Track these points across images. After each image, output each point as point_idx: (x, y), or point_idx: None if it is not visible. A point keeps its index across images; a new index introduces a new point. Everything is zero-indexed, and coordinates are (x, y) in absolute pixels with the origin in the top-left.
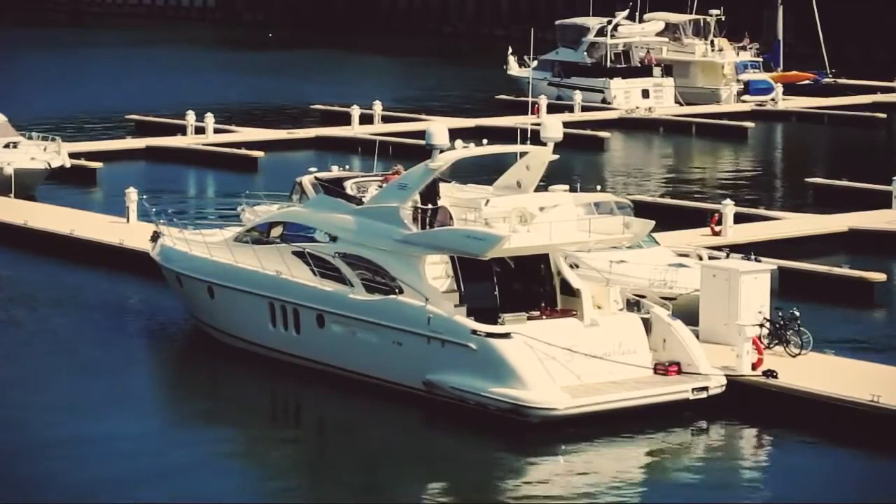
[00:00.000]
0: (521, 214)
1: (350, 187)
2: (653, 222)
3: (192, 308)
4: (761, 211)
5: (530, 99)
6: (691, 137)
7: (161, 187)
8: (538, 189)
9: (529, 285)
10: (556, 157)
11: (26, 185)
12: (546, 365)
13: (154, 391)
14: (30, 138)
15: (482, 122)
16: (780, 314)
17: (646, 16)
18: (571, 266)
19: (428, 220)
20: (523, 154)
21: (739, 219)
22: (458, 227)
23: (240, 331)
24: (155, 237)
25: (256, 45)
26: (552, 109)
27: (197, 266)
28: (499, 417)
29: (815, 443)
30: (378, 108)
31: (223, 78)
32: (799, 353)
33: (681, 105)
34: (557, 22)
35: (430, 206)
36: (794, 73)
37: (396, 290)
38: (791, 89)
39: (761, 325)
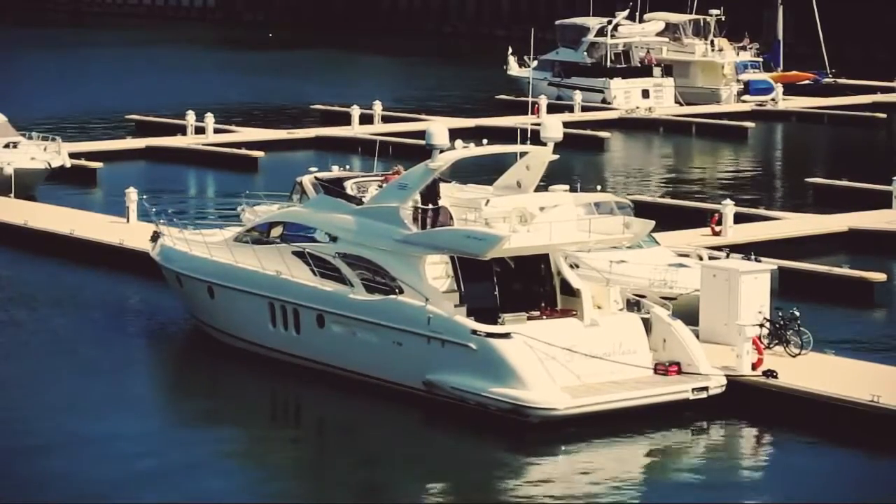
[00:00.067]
0: (521, 214)
1: (350, 187)
2: (653, 222)
3: (192, 308)
4: (761, 211)
5: (530, 99)
6: (691, 137)
7: (161, 187)
8: (538, 189)
9: (529, 285)
10: (556, 157)
11: (26, 185)
12: (546, 365)
13: (154, 391)
14: (30, 138)
15: (482, 122)
16: (780, 314)
17: (646, 16)
18: (571, 266)
19: (429, 220)
20: (523, 154)
21: (739, 219)
22: (458, 227)
23: (240, 331)
24: (155, 237)
25: (256, 45)
26: (552, 109)
27: (197, 266)
28: (499, 417)
29: (815, 443)
30: (378, 108)
31: (223, 78)
32: (799, 353)
33: (681, 105)
34: (557, 22)
35: (430, 206)
36: (794, 73)
37: (396, 290)
38: (791, 89)
39: (761, 325)
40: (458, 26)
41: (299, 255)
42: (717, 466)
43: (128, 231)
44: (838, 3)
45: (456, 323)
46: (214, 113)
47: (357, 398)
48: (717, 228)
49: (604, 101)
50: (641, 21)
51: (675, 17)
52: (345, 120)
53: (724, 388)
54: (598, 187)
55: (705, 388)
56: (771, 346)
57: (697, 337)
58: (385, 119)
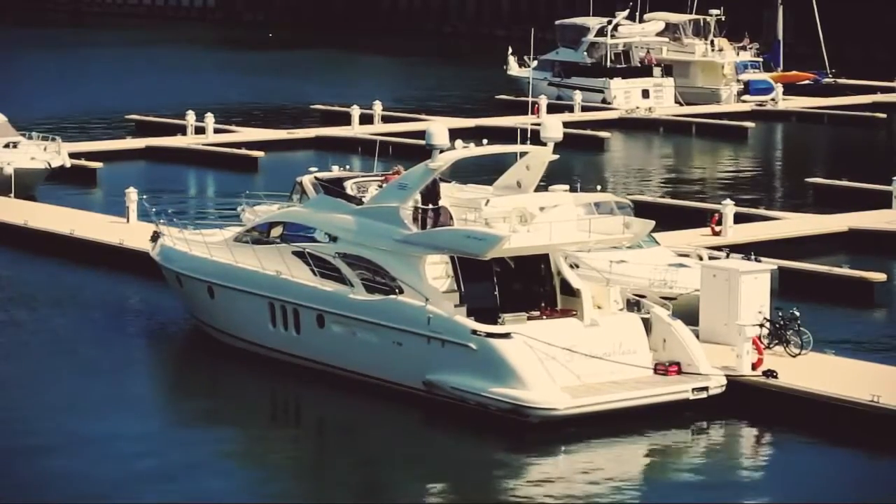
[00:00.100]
0: (521, 214)
1: (350, 187)
2: (653, 222)
3: (192, 308)
4: (761, 211)
5: (530, 99)
6: (691, 137)
7: (161, 187)
8: (538, 189)
9: (529, 285)
10: (556, 157)
11: (26, 185)
12: (546, 365)
13: (154, 391)
14: (30, 138)
15: (482, 122)
16: (780, 314)
17: (646, 16)
18: (571, 266)
19: (431, 220)
20: (523, 154)
21: (739, 219)
22: (458, 227)
23: (240, 331)
24: (155, 237)
25: (256, 45)
26: (552, 109)
27: (197, 266)
28: (499, 417)
29: (815, 443)
30: (378, 108)
31: (223, 78)
32: (799, 353)
33: (681, 105)
34: (557, 22)
35: (430, 206)
36: (794, 73)
37: (396, 290)
38: (791, 89)
39: (761, 325)
40: (458, 26)
41: (299, 255)
42: (717, 466)
43: (128, 231)
44: (838, 3)
45: (456, 323)
46: (214, 113)
47: (357, 398)
48: (717, 228)
49: (604, 101)
50: (641, 21)
51: (675, 17)
52: (345, 120)
53: (724, 388)
54: (598, 187)
55: (705, 388)
56: (771, 346)
57: (697, 337)
58: (385, 119)
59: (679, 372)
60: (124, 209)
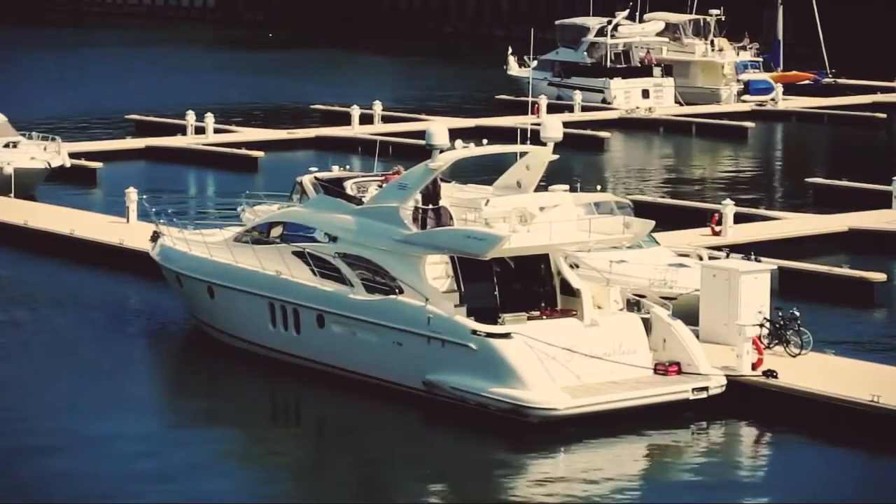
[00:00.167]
0: (521, 214)
1: (350, 187)
2: (653, 222)
3: (192, 308)
4: (761, 211)
5: (530, 99)
6: (691, 137)
7: (161, 187)
8: (538, 189)
9: (529, 285)
10: (556, 157)
11: (26, 185)
12: (546, 365)
13: (154, 391)
14: (30, 138)
15: (482, 122)
16: (780, 314)
17: (646, 16)
18: (571, 266)
19: (431, 220)
20: (523, 154)
21: (739, 219)
22: (458, 227)
23: (240, 331)
24: (155, 237)
25: (256, 45)
26: (552, 109)
27: (197, 266)
28: (499, 417)
29: (815, 443)
30: (378, 108)
31: (223, 78)
32: (799, 353)
33: (681, 105)
34: (557, 22)
35: (431, 206)
36: (794, 73)
37: (396, 290)
38: (791, 89)
39: (761, 325)
40: (458, 26)
41: (299, 255)
42: (717, 466)
43: (128, 231)
44: (838, 3)
45: (456, 323)
46: (214, 113)
47: (357, 398)
48: (717, 228)
49: (604, 101)
50: (641, 21)
51: (675, 17)
52: (345, 120)
53: (724, 388)
54: (598, 187)
55: (705, 388)
56: (771, 346)
57: (697, 337)
58: (385, 119)
59: (679, 372)
60: (124, 209)
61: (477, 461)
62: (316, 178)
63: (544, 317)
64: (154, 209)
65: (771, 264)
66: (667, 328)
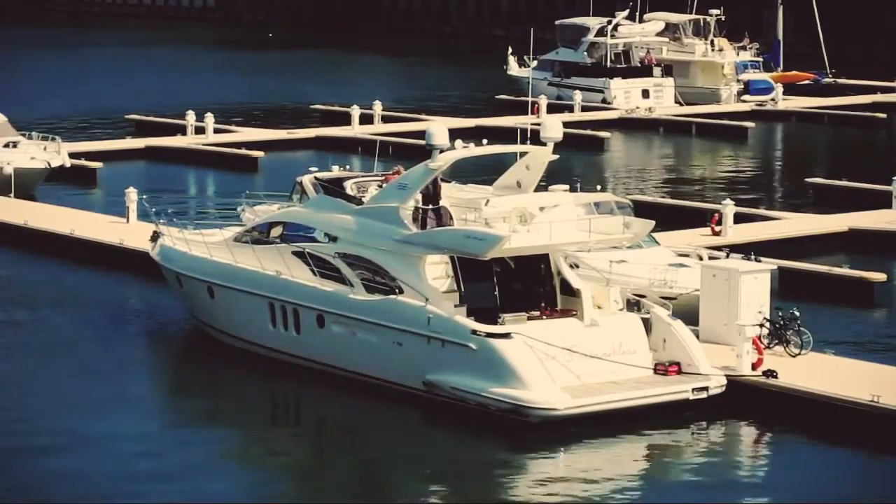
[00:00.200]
0: (521, 214)
1: (350, 187)
2: (653, 222)
3: (192, 308)
4: (761, 211)
5: (530, 99)
6: (691, 137)
7: (161, 187)
8: (538, 189)
9: (529, 285)
10: (556, 157)
11: (26, 185)
12: (546, 365)
13: (154, 391)
14: (30, 138)
15: (482, 122)
16: (780, 314)
17: (646, 16)
18: (571, 266)
19: (432, 220)
20: (523, 154)
21: (739, 219)
22: (458, 227)
23: (240, 331)
24: (155, 237)
25: (256, 45)
26: (552, 109)
27: (197, 266)
28: (499, 417)
29: (815, 443)
30: (378, 108)
31: (223, 78)
32: (799, 353)
33: (681, 105)
34: (557, 22)
35: (431, 206)
36: (794, 73)
37: (396, 291)
38: (791, 89)
39: (761, 325)
40: (458, 26)
41: (299, 255)
42: (717, 466)
43: (128, 231)
44: (838, 4)
45: (456, 323)
46: (214, 113)
47: (357, 398)
48: (717, 228)
49: (604, 101)
50: (641, 21)
51: (675, 17)
52: (345, 120)
53: (724, 388)
54: (598, 187)
55: (705, 388)
56: (771, 346)
57: (697, 337)
58: (385, 119)
59: (679, 372)
60: (124, 209)
61: (477, 461)
62: (316, 178)
63: (544, 317)
64: (154, 209)
65: (771, 264)
66: (667, 328)
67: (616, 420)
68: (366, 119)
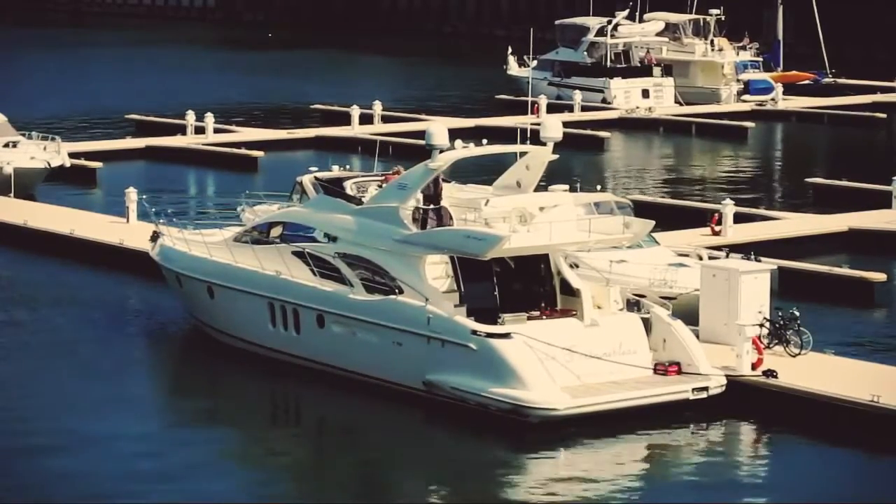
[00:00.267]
0: (521, 214)
1: (350, 187)
2: (653, 222)
3: (192, 308)
4: (761, 211)
5: (530, 99)
6: (691, 137)
7: (161, 187)
8: (538, 189)
9: (529, 285)
10: (556, 157)
11: (26, 185)
12: (546, 365)
13: (154, 391)
14: (30, 138)
15: (482, 122)
16: (780, 314)
17: (646, 16)
18: (571, 266)
19: (433, 220)
20: (523, 154)
21: (739, 219)
22: (458, 227)
23: (240, 331)
24: (155, 237)
25: (256, 45)
26: (552, 109)
27: (197, 266)
28: (499, 417)
29: (815, 443)
30: (378, 108)
31: (223, 78)
32: (799, 353)
33: (681, 105)
34: (557, 22)
35: (431, 206)
36: (794, 73)
37: (396, 291)
38: (791, 89)
39: (761, 325)
40: (458, 26)
41: (299, 255)
42: (717, 466)
43: (128, 231)
44: (838, 4)
45: (456, 323)
46: (214, 113)
47: (357, 398)
48: (717, 228)
49: (604, 100)
50: (641, 21)
51: (675, 17)
52: (345, 120)
53: (724, 388)
54: (598, 187)
55: (705, 388)
56: (771, 346)
57: (697, 337)
58: (385, 119)
59: (679, 372)
60: (124, 209)
61: (477, 461)
62: (316, 178)
63: (544, 317)
64: (154, 209)
65: (771, 264)
66: (667, 328)
67: (616, 420)
68: (366, 119)
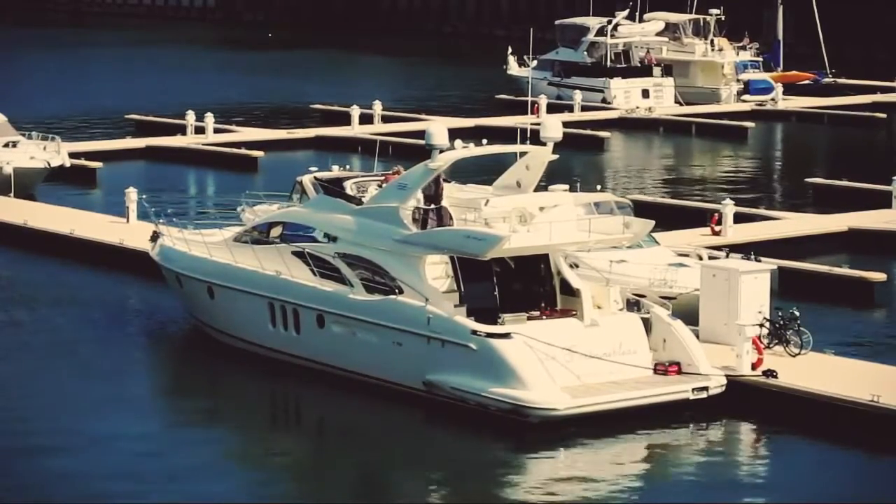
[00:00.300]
0: (521, 214)
1: (350, 187)
2: (653, 222)
3: (192, 308)
4: (761, 211)
5: (530, 99)
6: (691, 137)
7: (161, 187)
8: (538, 189)
9: (529, 285)
10: (556, 156)
11: (26, 185)
12: (546, 365)
13: (154, 391)
14: (29, 138)
15: (482, 122)
16: (780, 314)
17: (646, 16)
18: (571, 266)
19: (433, 220)
20: (523, 154)
21: (739, 219)
22: (458, 227)
23: (240, 331)
24: (154, 237)
25: (256, 45)
26: (552, 109)
27: (197, 266)
28: (499, 417)
29: (815, 443)
30: (378, 108)
31: (223, 78)
32: (799, 353)
33: (681, 105)
34: (557, 22)
35: (432, 206)
36: (794, 73)
37: (396, 291)
38: (791, 89)
39: (761, 325)
40: (458, 26)
41: (299, 255)
42: (717, 466)
43: (128, 231)
44: (838, 4)
45: (456, 323)
46: (214, 113)
47: (357, 398)
48: (717, 228)
49: (604, 100)
50: (641, 21)
51: (675, 17)
52: (345, 120)
53: (724, 388)
54: (598, 187)
55: (705, 388)
56: (771, 346)
57: (697, 337)
58: (385, 119)
59: (679, 372)
60: (124, 209)
61: (477, 461)
62: (316, 178)
63: (544, 317)
64: (154, 209)
65: (771, 264)
66: (667, 328)
67: (616, 420)
68: (366, 119)
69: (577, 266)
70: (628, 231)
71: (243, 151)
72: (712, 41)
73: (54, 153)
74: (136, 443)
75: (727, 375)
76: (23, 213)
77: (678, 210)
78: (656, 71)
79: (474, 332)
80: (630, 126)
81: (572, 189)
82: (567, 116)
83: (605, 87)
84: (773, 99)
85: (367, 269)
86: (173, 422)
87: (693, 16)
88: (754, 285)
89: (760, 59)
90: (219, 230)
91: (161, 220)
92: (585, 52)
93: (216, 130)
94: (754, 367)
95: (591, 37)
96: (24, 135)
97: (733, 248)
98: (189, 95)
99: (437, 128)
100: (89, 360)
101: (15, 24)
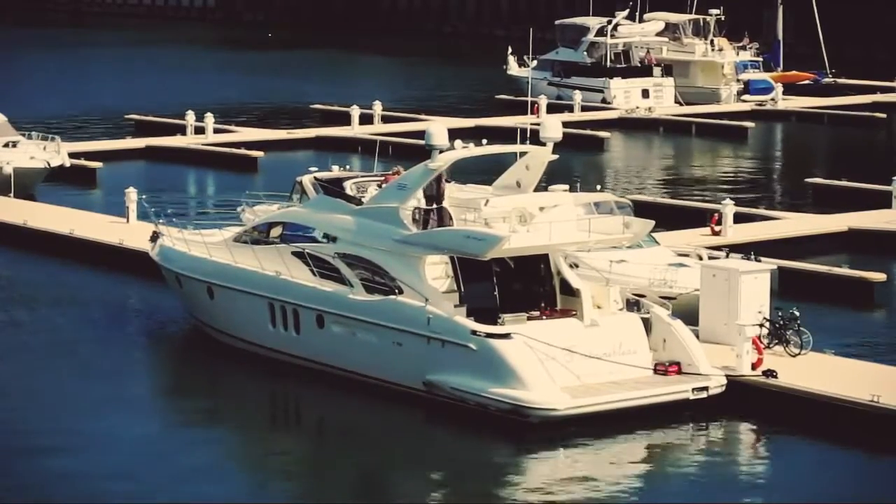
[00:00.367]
0: (520, 214)
1: (350, 187)
2: (653, 222)
3: (192, 308)
4: (761, 211)
5: (530, 99)
6: (691, 137)
7: (161, 187)
8: (538, 189)
9: (529, 285)
10: (556, 157)
11: (26, 185)
12: (546, 365)
13: (154, 391)
14: (29, 138)
15: (482, 122)
16: (780, 314)
17: (646, 16)
18: (571, 266)
19: (434, 221)
20: (523, 154)
21: (739, 219)
22: (458, 228)
23: (239, 331)
24: (154, 237)
25: (256, 45)
26: (552, 109)
27: (196, 266)
28: (499, 418)
29: (815, 443)
30: (378, 108)
31: (223, 78)
32: (799, 353)
33: (681, 105)
34: (557, 22)
35: (433, 206)
36: (794, 73)
37: (396, 291)
38: (791, 89)
39: (761, 325)
40: (458, 26)
41: (299, 255)
42: (717, 466)
43: (128, 231)
44: (838, 4)
45: (456, 323)
46: (214, 113)
47: (357, 398)
48: (717, 228)
49: (604, 101)
50: (641, 21)
51: (675, 17)
52: (345, 120)
53: (724, 388)
54: (598, 187)
55: (705, 388)
56: (771, 346)
57: (697, 337)
58: (385, 119)
59: (679, 372)
60: (124, 209)
61: (477, 461)
62: (316, 178)
63: (544, 317)
64: (154, 209)
65: (771, 264)
66: (667, 328)
67: (616, 420)
68: (366, 119)
69: (577, 266)
70: (628, 231)
71: (243, 151)
72: (712, 41)
73: (54, 153)
74: (136, 443)
75: (727, 375)
76: (23, 213)
77: (678, 210)
78: (656, 71)
79: (474, 333)
80: (630, 126)
81: (572, 189)
82: (567, 116)
83: (605, 87)
84: (773, 99)
85: (366, 270)
86: (173, 422)
87: (693, 16)
88: (754, 285)
89: (760, 59)
90: (219, 230)
91: (161, 221)
92: (585, 53)
93: (216, 130)
94: (754, 367)
95: (591, 37)
96: (24, 135)
97: (733, 248)
98: (189, 95)
99: (437, 128)
100: (89, 360)
101: (15, 24)
